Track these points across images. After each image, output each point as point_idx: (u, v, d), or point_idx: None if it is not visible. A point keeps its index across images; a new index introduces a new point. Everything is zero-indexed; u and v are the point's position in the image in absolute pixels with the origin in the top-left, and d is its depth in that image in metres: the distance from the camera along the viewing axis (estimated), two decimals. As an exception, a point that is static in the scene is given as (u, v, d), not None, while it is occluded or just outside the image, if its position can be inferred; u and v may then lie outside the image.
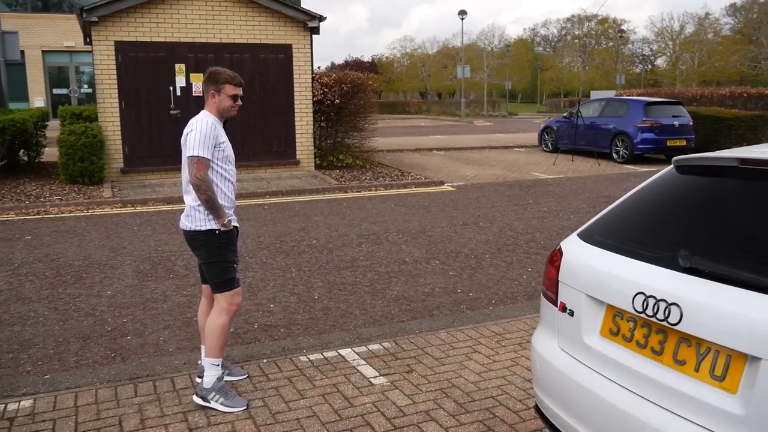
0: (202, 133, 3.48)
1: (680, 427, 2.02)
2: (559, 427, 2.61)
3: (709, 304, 2.00)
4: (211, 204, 3.50)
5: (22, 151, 12.78)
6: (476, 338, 4.66)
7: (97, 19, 11.37)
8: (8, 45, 14.13)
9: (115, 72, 11.68)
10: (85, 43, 12.83)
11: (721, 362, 1.96)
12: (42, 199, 10.02)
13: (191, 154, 3.47)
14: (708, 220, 2.37)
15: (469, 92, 55.35)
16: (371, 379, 4.00)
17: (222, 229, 3.56)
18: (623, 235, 2.54)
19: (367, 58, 70.07)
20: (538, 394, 2.78)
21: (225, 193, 3.63)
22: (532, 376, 2.88)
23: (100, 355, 4.45)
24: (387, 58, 73.44)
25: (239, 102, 3.61)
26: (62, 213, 9.40)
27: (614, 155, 15.93)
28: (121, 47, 11.67)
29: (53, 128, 14.06)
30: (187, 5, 12.00)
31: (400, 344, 4.55)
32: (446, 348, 4.48)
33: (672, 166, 2.74)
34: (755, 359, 1.85)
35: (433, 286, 5.94)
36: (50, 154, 13.39)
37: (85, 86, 28.23)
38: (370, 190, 11.48)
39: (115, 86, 11.73)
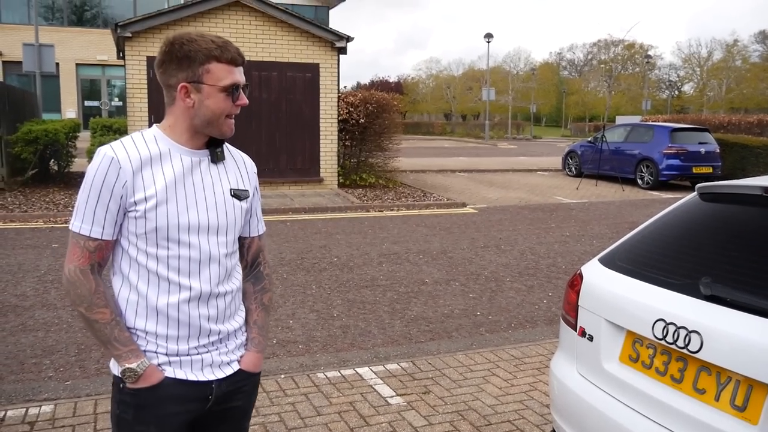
0: (89, 182, 1.71)
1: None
2: (576, 452, 2.59)
3: (729, 333, 1.98)
4: (93, 329, 1.76)
5: (53, 160, 13.05)
6: (495, 361, 4.64)
7: (130, 35, 11.64)
8: (44, 58, 14.52)
9: (145, 86, 11.91)
10: (118, 57, 13.13)
11: (741, 392, 1.94)
12: (70, 209, 10.20)
13: (70, 226, 1.76)
14: (730, 249, 2.36)
15: (493, 115, 55.38)
16: (388, 399, 4.00)
17: (126, 383, 1.77)
18: (644, 261, 2.53)
19: (392, 79, 70.65)
20: (556, 419, 2.77)
21: (160, 309, 1.76)
22: (550, 400, 2.86)
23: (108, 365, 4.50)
24: (412, 78, 73.90)
25: (244, 99, 1.80)
26: (89, 223, 9.55)
27: (639, 181, 15.81)
28: (152, 62, 11.89)
29: (84, 139, 14.34)
30: (218, 23, 12.23)
31: (417, 365, 4.55)
32: (464, 370, 4.47)
33: (695, 193, 2.74)
34: (777, 391, 1.84)
35: (453, 308, 5.93)
36: (80, 164, 13.63)
37: (116, 99, 28.81)
38: (392, 210, 11.52)
39: (146, 100, 11.96)
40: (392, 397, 4.03)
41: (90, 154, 11.21)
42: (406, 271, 7.18)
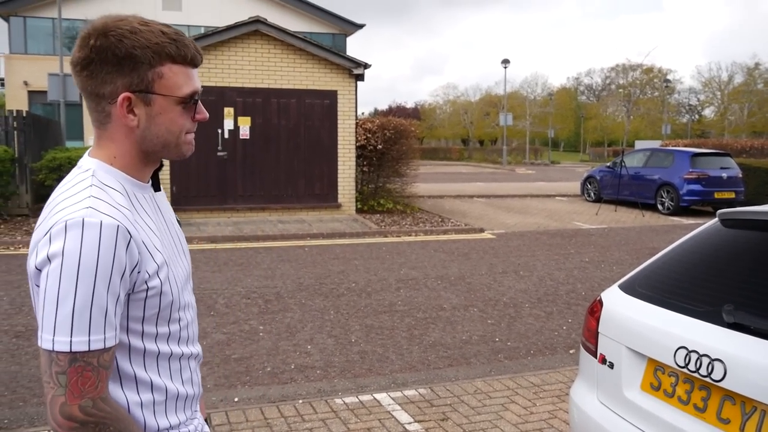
0: (90, 269, 1.16)
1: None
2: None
3: (754, 361, 1.95)
4: None
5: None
6: (514, 388, 4.59)
7: (152, 64, 11.84)
8: (68, 87, 14.82)
9: (166, 114, 12.07)
10: (140, 86, 13.34)
11: (767, 422, 1.90)
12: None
13: (46, 346, 1.17)
14: (753, 275, 2.32)
15: (511, 140, 55.45)
16: (406, 425, 3.96)
17: None
18: (666, 288, 2.51)
19: (410, 105, 71.15)
20: (577, 448, 2.72)
21: (180, 395, 1.40)
22: (570, 429, 2.82)
23: (140, 389, 4.51)
24: (429, 104, 74.38)
25: (204, 112, 1.37)
26: (110, 249, 9.65)
27: (659, 206, 15.67)
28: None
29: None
30: (238, 52, 12.43)
31: (435, 391, 4.51)
32: (482, 397, 4.42)
33: (717, 219, 2.71)
34: (804, 421, 1.80)
35: (471, 334, 5.88)
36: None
37: (138, 127, 29.21)
38: (410, 236, 11.51)
39: (166, 128, 12.11)
40: (410, 423, 3.99)
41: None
42: (424, 296, 7.15)
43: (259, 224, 11.84)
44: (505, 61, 41.25)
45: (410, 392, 4.48)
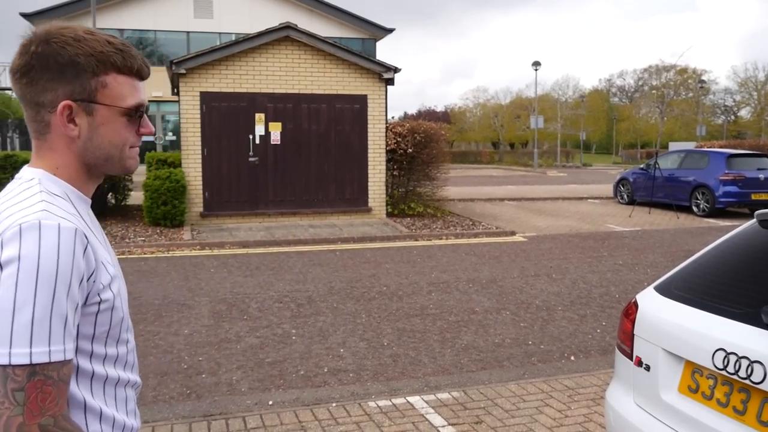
0: (49, 274, 1.08)
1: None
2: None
3: (795, 363, 1.92)
4: None
5: (110, 194, 13.54)
6: (548, 392, 4.56)
7: (185, 71, 12.06)
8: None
9: (199, 120, 12.29)
10: (173, 93, 13.60)
11: (809, 425, 1.87)
12: (127, 240, 10.53)
13: (1, 361, 1.05)
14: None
15: (542, 143, 54.96)
16: (440, 429, 3.96)
17: None
18: (702, 290, 2.48)
19: (439, 108, 71.01)
20: (613, 451, 2.70)
21: (128, 428, 1.30)
22: (607, 431, 2.80)
23: (177, 391, 4.60)
24: (459, 108, 74.06)
25: (149, 125, 1.35)
26: (145, 254, 9.84)
27: (694, 208, 15.40)
28: (205, 97, 12.30)
29: (140, 173, 14.86)
30: (269, 58, 12.57)
31: (469, 394, 4.50)
32: (516, 400, 4.40)
33: (755, 220, 2.68)
34: None
35: (504, 337, 5.86)
36: (136, 197, 14.08)
37: (170, 134, 29.74)
38: (440, 239, 11.50)
39: (199, 134, 12.32)
40: (444, 426, 3.99)
41: (145, 188, 11.59)
42: (456, 299, 7.14)
43: (290, 229, 11.94)
44: (536, 63, 40.95)
45: (443, 395, 4.48)
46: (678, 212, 15.38)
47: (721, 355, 2.13)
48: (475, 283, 7.95)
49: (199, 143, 12.35)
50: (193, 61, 12.09)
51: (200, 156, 12.38)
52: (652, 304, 2.61)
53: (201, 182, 12.42)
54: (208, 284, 7.81)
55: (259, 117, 12.59)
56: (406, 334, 5.92)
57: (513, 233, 12.10)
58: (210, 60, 12.18)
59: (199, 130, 12.32)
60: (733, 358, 2.09)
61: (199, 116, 12.29)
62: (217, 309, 6.70)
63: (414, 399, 4.41)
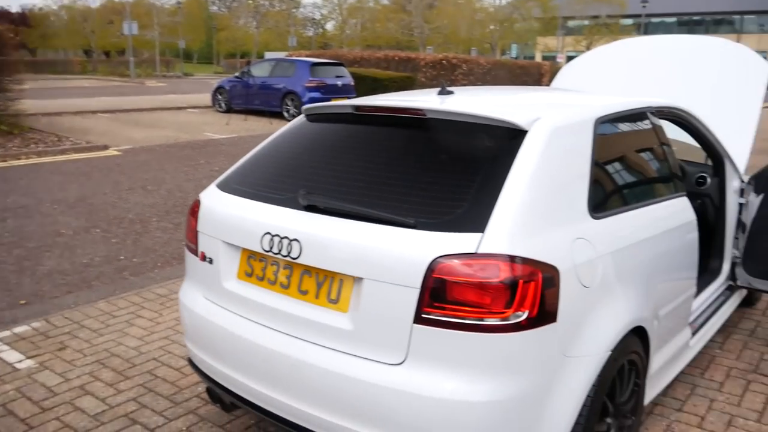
0: None
1: (310, 352, 2.19)
2: (211, 376, 2.64)
3: (322, 236, 2.18)
4: None
5: None
6: (140, 303, 4.47)
7: None
8: None
9: None
10: None
11: (335, 287, 2.17)
12: None
13: None
14: (328, 162, 2.57)
15: (140, 51, 51.94)
16: (15, 364, 3.58)
17: None
18: (256, 182, 2.62)
19: (15, 9, 61.11)
20: (190, 347, 2.78)
21: None
22: (184, 331, 2.86)
23: None
24: (40, 9, 64.89)
25: None
26: None
27: (285, 114, 16.51)
28: None
29: None
30: None
31: (52, 322, 4.15)
32: (106, 318, 4.22)
33: (303, 114, 2.91)
34: (359, 280, 2.09)
35: (93, 256, 5.52)
36: None
37: None
38: (19, 159, 10.13)
39: None
40: (21, 361, 3.62)
41: None
42: (38, 224, 6.43)
43: None
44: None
45: (21, 329, 4.04)
46: (271, 118, 16.31)
47: (267, 238, 2.30)
48: (61, 203, 7.26)
49: None
50: None
51: None
52: (213, 200, 2.68)
53: None
54: None
55: None
56: (-27, 268, 5.15)
57: (106, 147, 11.33)
58: None
59: None
60: (276, 240, 2.27)
61: None
62: None
63: (-17, 339, 3.89)
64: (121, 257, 5.53)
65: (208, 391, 2.84)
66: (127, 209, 7.07)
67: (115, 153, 10.96)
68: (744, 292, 4.20)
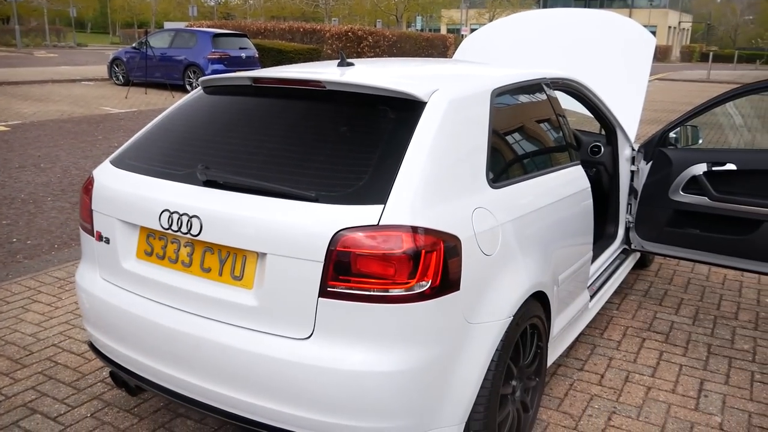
0: None
1: (214, 330, 2.16)
2: (114, 359, 2.56)
3: (223, 212, 2.14)
4: None
5: None
6: (36, 287, 4.25)
7: None
8: None
9: None
10: None
11: (238, 264, 2.14)
12: None
13: None
14: (227, 136, 2.51)
15: (27, 19, 48.60)
16: None
17: None
18: (152, 157, 2.53)
19: None
20: (90, 331, 2.68)
21: None
22: (82, 314, 2.75)
23: None
24: None
25: None
26: None
27: (187, 87, 15.96)
28: None
29: None
30: None
31: (-61, 312, 3.88)
32: (-2, 304, 3.99)
33: (200, 87, 2.82)
34: (263, 256, 2.07)
35: (-19, 240, 5.19)
36: None
37: None
38: None
39: None
40: None
41: None
42: None
43: None
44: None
45: None
46: (173, 91, 15.72)
47: (166, 215, 2.23)
48: (-58, 184, 6.76)
49: None
50: None
51: None
52: (107, 177, 2.56)
53: None
54: None
55: None
56: None
57: (-8, 123, 10.60)
58: None
59: None
60: (175, 217, 2.21)
61: None
62: None
63: None
64: (14, 240, 5.22)
65: (112, 375, 2.75)
66: (19, 189, 6.67)
67: (4, 129, 10.26)
68: (638, 255, 4.47)
